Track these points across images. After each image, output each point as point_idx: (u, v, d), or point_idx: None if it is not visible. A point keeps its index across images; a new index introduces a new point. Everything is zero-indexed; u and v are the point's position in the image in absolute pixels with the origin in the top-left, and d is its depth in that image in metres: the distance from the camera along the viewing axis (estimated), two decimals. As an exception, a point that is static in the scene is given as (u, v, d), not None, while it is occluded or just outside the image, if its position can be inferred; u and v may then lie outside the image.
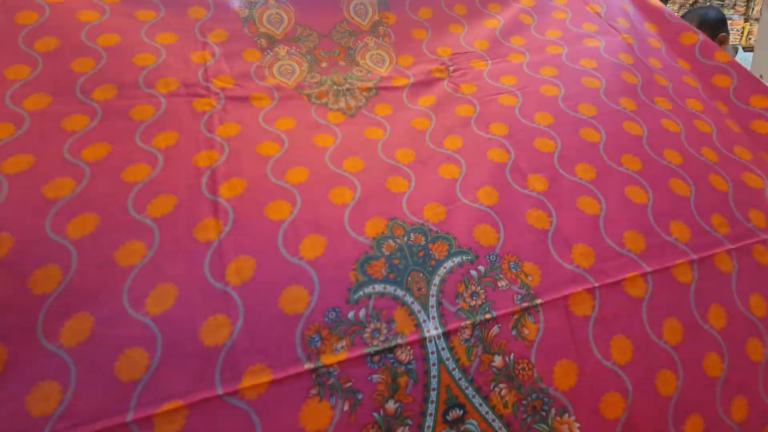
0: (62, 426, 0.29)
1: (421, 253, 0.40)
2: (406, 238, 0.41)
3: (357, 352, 0.34)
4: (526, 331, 0.38)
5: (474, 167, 0.49)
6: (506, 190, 0.47)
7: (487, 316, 0.37)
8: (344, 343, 0.34)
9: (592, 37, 0.67)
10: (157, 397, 0.31)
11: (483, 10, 0.71)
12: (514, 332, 0.38)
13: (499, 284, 0.40)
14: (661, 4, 0.78)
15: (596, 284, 0.41)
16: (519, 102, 0.57)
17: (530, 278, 0.40)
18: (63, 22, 0.55)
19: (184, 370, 0.32)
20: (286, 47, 0.60)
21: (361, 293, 0.37)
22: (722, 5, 4.55)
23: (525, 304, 0.39)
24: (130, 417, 0.30)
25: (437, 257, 0.40)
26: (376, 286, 0.37)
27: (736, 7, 4.69)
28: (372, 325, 0.35)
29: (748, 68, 1.50)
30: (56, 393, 0.30)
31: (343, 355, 0.33)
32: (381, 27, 0.66)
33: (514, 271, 0.40)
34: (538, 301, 0.39)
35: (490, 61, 0.63)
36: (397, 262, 0.39)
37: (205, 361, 0.33)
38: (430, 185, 0.47)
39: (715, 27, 1.52)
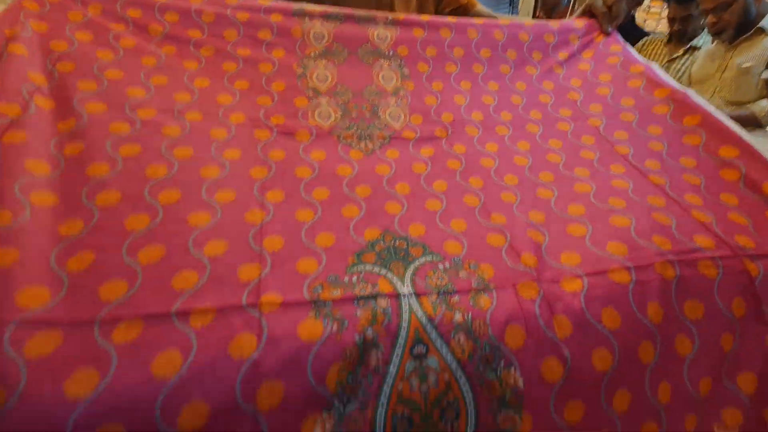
0: None
1: (402, 253, 0.55)
2: (392, 242, 0.56)
3: (347, 296, 0.47)
4: (482, 302, 0.48)
5: (452, 205, 0.65)
6: (473, 223, 0.62)
7: (449, 289, 0.49)
8: (338, 291, 0.47)
9: (565, 121, 0.84)
10: (198, 302, 0.42)
11: (483, 86, 0.90)
12: (471, 302, 0.48)
13: (460, 275, 0.52)
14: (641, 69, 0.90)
15: (539, 278, 0.51)
16: (495, 165, 0.73)
17: (485, 273, 0.52)
18: (148, 131, 0.63)
19: (223, 291, 0.45)
20: (327, 98, 0.80)
21: (355, 269, 0.51)
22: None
23: (480, 287, 0.50)
24: (174, 308, 0.41)
25: (414, 256, 0.54)
26: (366, 266, 0.52)
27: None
28: (360, 285, 0.48)
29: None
30: None
31: (337, 296, 0.46)
32: (401, 91, 0.85)
33: (472, 269, 0.53)
34: (492, 285, 0.50)
35: (480, 130, 0.81)
36: (384, 256, 0.54)
37: (239, 289, 0.45)
38: (417, 212, 0.63)
39: None
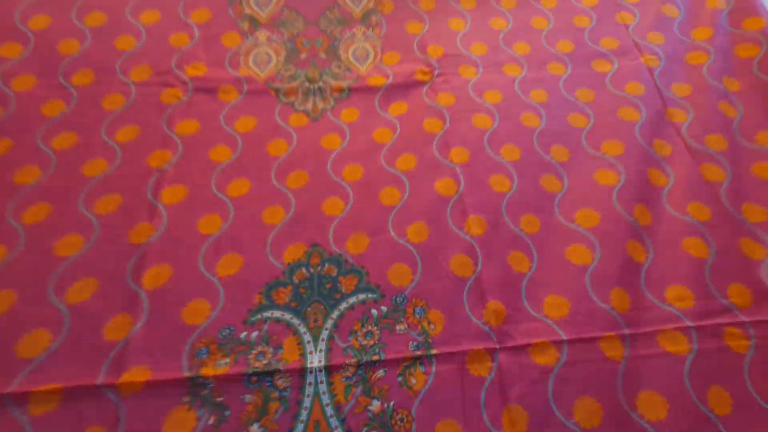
0: None
1: (329, 285, 0.41)
2: (319, 268, 0.42)
3: (237, 370, 0.36)
4: (413, 381, 0.37)
5: (415, 196, 0.48)
6: (440, 228, 0.46)
7: (375, 357, 0.38)
8: (228, 360, 0.37)
9: (606, 57, 0.60)
10: (42, 377, 0.35)
11: (495, 6, 0.64)
12: (400, 379, 0.37)
13: (398, 327, 0.40)
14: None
15: (498, 346, 0.39)
16: (493, 126, 0.53)
17: (433, 327, 0.40)
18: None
19: (78, 358, 0.36)
20: (267, 33, 0.59)
21: (259, 316, 0.39)
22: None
23: (419, 353, 0.38)
24: (9, 389, 0.34)
25: (344, 291, 0.41)
26: (275, 311, 0.40)
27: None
28: (259, 348, 0.38)
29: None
30: None
31: (223, 371, 0.36)
32: (374, 16, 0.62)
33: (417, 316, 0.41)
34: (434, 351, 0.39)
35: (480, 69, 0.58)
36: (303, 291, 0.41)
37: (99, 353, 0.37)
38: (364, 210, 0.47)
39: None
